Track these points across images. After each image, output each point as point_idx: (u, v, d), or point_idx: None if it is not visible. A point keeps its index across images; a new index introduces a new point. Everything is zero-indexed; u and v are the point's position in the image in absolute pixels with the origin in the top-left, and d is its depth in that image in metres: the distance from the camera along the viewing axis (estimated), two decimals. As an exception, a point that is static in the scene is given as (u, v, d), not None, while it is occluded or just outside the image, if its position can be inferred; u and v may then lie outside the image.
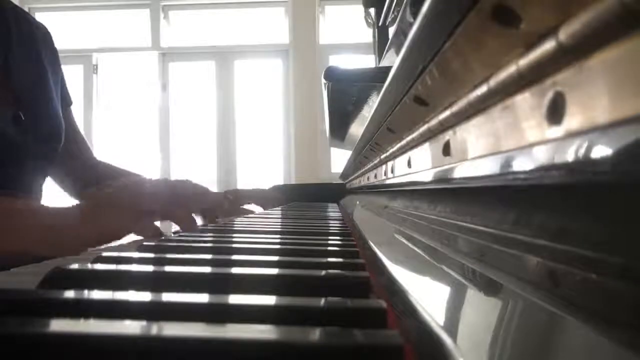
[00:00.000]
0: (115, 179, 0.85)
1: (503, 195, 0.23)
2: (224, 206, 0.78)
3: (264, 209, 1.18)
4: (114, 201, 0.62)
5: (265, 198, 1.20)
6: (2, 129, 0.76)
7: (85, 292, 0.25)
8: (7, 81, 0.80)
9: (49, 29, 0.96)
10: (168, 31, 4.12)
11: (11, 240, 0.54)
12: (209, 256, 0.40)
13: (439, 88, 0.28)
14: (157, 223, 0.62)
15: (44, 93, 0.87)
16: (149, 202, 0.62)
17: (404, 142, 0.45)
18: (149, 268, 0.32)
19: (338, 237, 0.53)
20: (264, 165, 3.97)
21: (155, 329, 0.19)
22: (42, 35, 0.92)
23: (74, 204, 0.67)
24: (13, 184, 0.77)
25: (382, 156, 0.63)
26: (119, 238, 0.58)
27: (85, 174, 0.98)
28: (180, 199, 0.67)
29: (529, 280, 0.17)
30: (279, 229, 0.67)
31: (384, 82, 0.41)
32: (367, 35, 1.83)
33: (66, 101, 0.97)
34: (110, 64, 4.06)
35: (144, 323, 0.19)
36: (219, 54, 4.06)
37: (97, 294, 0.25)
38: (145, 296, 0.25)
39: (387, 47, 1.06)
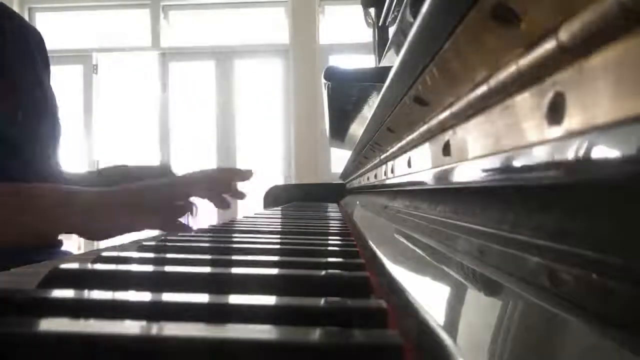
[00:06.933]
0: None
1: (503, 195, 0.23)
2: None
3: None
4: (151, 194, 0.68)
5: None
6: (11, 114, 0.78)
7: (85, 292, 0.25)
8: (9, 72, 0.81)
9: (48, 31, 0.98)
10: (168, 31, 4.11)
11: (61, 225, 0.64)
12: (208, 256, 0.40)
13: (439, 88, 0.28)
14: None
15: (41, 86, 0.89)
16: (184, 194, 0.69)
17: (404, 142, 0.45)
18: (149, 268, 0.32)
19: (338, 237, 0.53)
20: (264, 165, 3.97)
21: (155, 329, 0.19)
22: (35, 41, 0.94)
23: (113, 190, 0.72)
24: (31, 169, 0.79)
25: (382, 156, 0.63)
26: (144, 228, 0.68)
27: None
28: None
29: (529, 280, 0.17)
30: (279, 229, 0.67)
31: (384, 82, 0.41)
32: (367, 35, 1.83)
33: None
34: (110, 64, 4.06)
35: (143, 323, 0.19)
36: (219, 54, 4.06)
37: (97, 294, 0.25)
38: (145, 296, 0.25)
39: (387, 47, 1.06)
